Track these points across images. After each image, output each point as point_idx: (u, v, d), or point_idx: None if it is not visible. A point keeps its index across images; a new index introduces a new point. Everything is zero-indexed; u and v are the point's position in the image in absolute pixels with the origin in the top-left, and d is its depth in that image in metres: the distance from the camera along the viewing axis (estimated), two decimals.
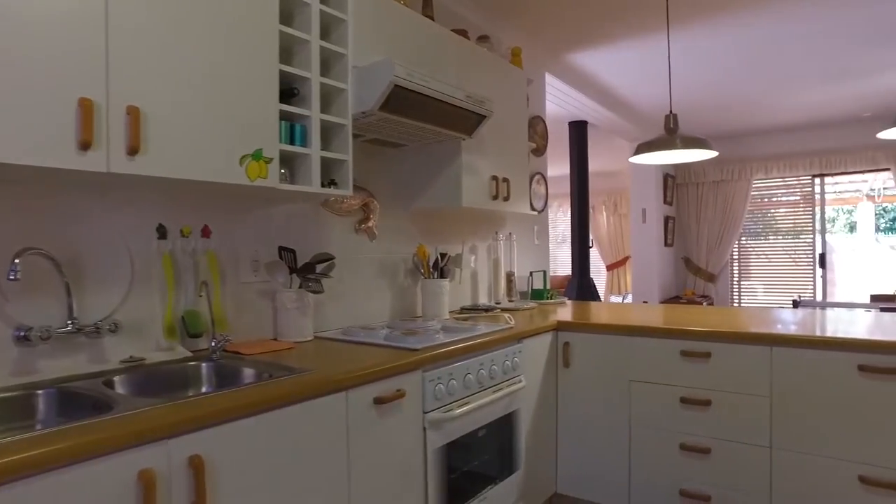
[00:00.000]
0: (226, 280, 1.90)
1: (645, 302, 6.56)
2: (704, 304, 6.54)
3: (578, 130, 5.91)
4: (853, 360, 1.95)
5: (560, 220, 9.92)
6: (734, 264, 7.23)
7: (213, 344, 1.68)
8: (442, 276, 2.63)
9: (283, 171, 1.80)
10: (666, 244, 6.89)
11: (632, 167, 6.62)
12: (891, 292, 7.34)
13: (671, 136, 2.61)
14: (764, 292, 7.06)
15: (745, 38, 3.80)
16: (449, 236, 2.94)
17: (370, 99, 1.90)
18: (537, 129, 3.78)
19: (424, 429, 1.75)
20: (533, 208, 3.69)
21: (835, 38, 3.83)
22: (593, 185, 9.59)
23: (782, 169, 6.72)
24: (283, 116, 1.76)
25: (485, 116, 2.32)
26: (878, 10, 3.39)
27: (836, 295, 6.82)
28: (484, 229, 3.22)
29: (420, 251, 2.60)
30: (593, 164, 8.72)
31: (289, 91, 1.79)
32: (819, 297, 6.73)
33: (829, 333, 2.03)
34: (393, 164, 2.60)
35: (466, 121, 2.28)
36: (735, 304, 7.18)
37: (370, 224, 2.43)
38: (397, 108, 1.96)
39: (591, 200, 9.64)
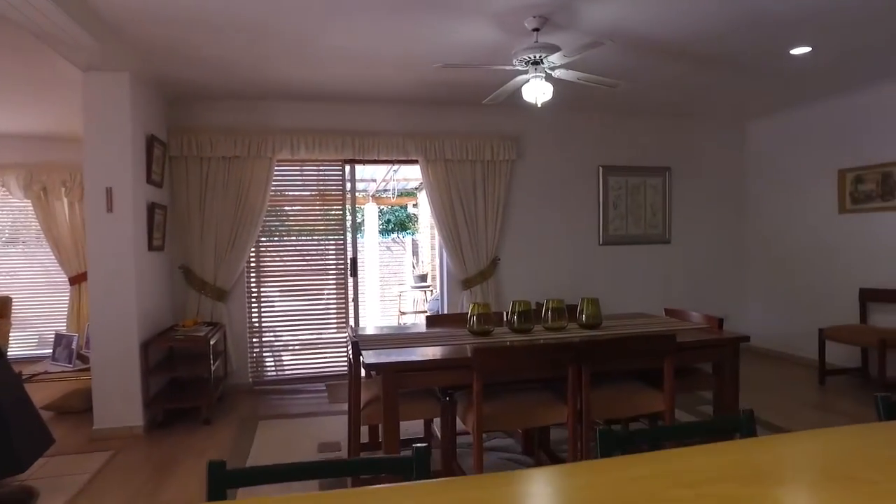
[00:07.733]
0: None
1: None
2: (213, 339, 4.36)
3: None
4: None
5: None
6: (251, 273, 5.34)
7: None
8: None
9: None
10: (152, 247, 4.39)
11: (87, 114, 3.86)
12: (433, 312, 6.80)
13: None
14: (281, 298, 5.43)
15: None
16: None
17: None
18: None
19: None
20: None
21: None
22: (42, 155, 6.21)
23: (312, 148, 5.18)
24: None
25: None
26: None
27: (364, 305, 5.74)
28: None
29: None
30: (32, 121, 5.43)
31: None
32: (352, 312, 5.51)
33: None
34: None
35: None
36: (255, 327, 5.30)
37: None
38: None
39: (31, 179, 6.22)
